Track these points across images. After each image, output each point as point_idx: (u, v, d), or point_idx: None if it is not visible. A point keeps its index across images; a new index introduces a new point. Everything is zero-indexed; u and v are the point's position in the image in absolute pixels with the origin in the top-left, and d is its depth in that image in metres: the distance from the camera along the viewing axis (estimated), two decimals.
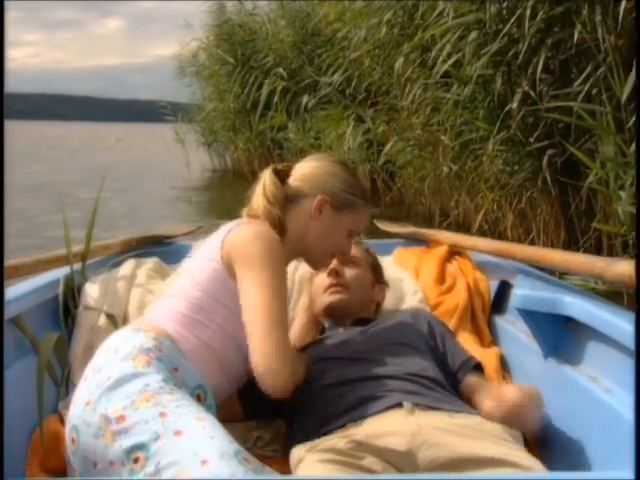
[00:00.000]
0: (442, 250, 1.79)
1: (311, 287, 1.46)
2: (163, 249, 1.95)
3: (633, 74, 2.55)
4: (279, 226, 1.19)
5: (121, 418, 0.95)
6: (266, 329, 1.05)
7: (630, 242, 2.71)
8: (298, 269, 1.65)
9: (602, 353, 1.14)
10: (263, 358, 1.04)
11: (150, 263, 1.76)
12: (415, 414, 1.05)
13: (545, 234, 3.74)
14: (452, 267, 1.73)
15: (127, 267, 1.68)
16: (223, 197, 7.68)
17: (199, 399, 1.06)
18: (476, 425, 1.05)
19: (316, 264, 1.29)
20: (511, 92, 3.55)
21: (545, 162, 3.40)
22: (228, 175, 10.36)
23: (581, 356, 1.20)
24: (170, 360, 1.05)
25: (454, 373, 1.25)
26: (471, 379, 1.24)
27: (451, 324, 1.54)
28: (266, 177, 1.25)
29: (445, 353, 1.29)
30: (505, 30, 3.35)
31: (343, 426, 1.06)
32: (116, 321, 1.48)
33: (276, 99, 7.45)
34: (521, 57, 3.31)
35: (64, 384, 1.35)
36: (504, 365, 1.47)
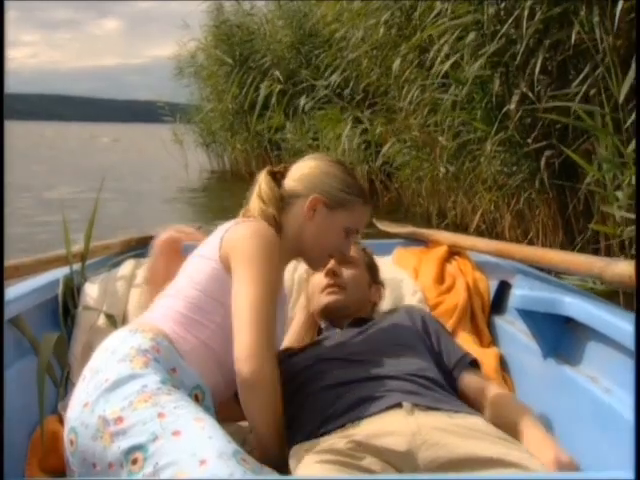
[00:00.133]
0: (441, 250, 1.79)
1: (307, 287, 1.46)
2: None
3: (631, 74, 2.55)
4: (275, 227, 1.19)
5: (119, 419, 0.95)
6: (252, 322, 1.05)
7: (627, 243, 2.71)
8: (297, 269, 1.65)
9: (601, 353, 1.14)
10: (245, 348, 1.04)
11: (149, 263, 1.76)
12: (414, 414, 1.05)
13: (543, 235, 3.75)
14: (451, 267, 1.74)
15: (126, 267, 1.68)
16: (221, 198, 7.67)
17: (197, 399, 1.06)
18: (475, 425, 1.05)
19: (314, 264, 1.28)
20: (509, 93, 3.56)
21: (543, 163, 3.41)
22: (226, 176, 10.35)
23: (580, 356, 1.20)
24: (168, 361, 1.05)
25: (450, 371, 1.25)
26: (468, 378, 1.24)
27: (450, 324, 1.54)
28: (261, 179, 1.25)
29: (440, 351, 1.29)
30: (503, 31, 3.36)
31: (342, 426, 1.06)
32: (115, 321, 1.49)
33: (273, 100, 7.45)
34: (519, 58, 3.31)
35: (63, 384, 1.35)
36: (503, 365, 1.47)
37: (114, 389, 0.98)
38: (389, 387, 1.11)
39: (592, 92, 2.99)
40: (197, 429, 0.92)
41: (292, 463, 1.03)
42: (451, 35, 3.76)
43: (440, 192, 5.01)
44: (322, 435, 1.05)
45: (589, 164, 2.88)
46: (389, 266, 1.79)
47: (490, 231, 4.27)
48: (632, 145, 2.56)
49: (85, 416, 0.98)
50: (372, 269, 1.48)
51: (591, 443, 1.09)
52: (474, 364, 1.28)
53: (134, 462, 0.91)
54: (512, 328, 1.50)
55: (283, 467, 1.03)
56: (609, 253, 3.06)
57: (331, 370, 1.18)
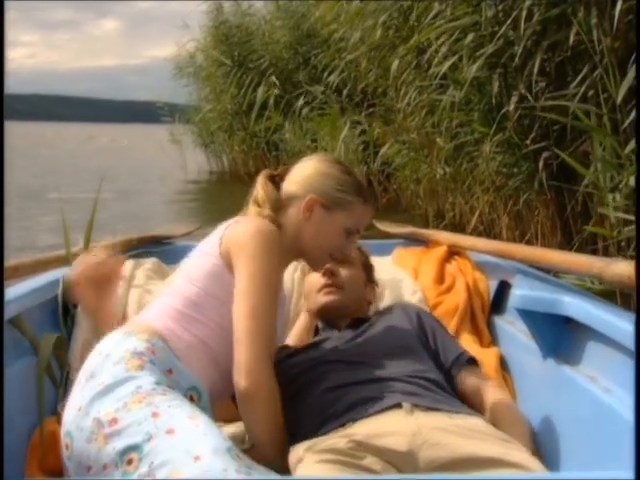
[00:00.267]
0: (441, 250, 1.79)
1: (304, 286, 1.45)
2: (162, 249, 1.95)
3: (629, 76, 2.56)
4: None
5: (114, 421, 0.94)
6: (252, 334, 1.06)
7: (623, 244, 2.71)
8: (298, 269, 1.65)
9: (601, 353, 1.15)
10: (244, 361, 1.05)
11: (149, 263, 1.76)
12: (414, 414, 1.05)
13: (541, 236, 3.75)
14: (451, 267, 1.74)
15: (126, 267, 1.68)
16: (220, 199, 7.68)
17: (192, 400, 1.05)
18: (475, 426, 1.05)
19: (315, 265, 1.28)
20: (507, 94, 3.56)
21: (541, 165, 3.41)
22: (225, 177, 10.35)
23: (580, 356, 1.21)
24: (164, 362, 1.05)
25: (448, 369, 1.26)
26: (466, 377, 1.24)
27: (452, 325, 1.54)
28: (258, 182, 1.26)
29: (437, 348, 1.29)
30: (501, 32, 3.36)
31: (342, 426, 1.06)
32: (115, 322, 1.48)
33: (271, 102, 7.45)
34: (517, 59, 3.31)
35: (63, 384, 1.35)
36: (503, 365, 1.47)
37: (109, 392, 0.98)
38: (389, 388, 1.11)
39: (590, 93, 2.99)
40: (191, 427, 0.92)
41: (292, 462, 1.03)
42: (449, 37, 3.76)
43: (438, 193, 5.01)
44: (321, 435, 1.05)
45: (587, 166, 2.89)
46: (389, 266, 1.80)
47: (488, 232, 4.28)
48: (629, 146, 2.56)
49: (80, 419, 0.98)
50: (368, 268, 1.48)
51: (590, 443, 1.09)
52: (472, 361, 1.28)
53: (129, 462, 0.91)
54: (512, 328, 1.50)
55: (284, 473, 1.03)
56: (607, 254, 3.06)
57: (331, 372, 1.18)
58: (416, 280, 1.70)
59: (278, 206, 1.22)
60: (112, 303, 1.16)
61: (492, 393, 1.21)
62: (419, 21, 4.18)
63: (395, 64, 4.59)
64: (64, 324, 1.46)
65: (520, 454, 1.00)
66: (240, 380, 1.05)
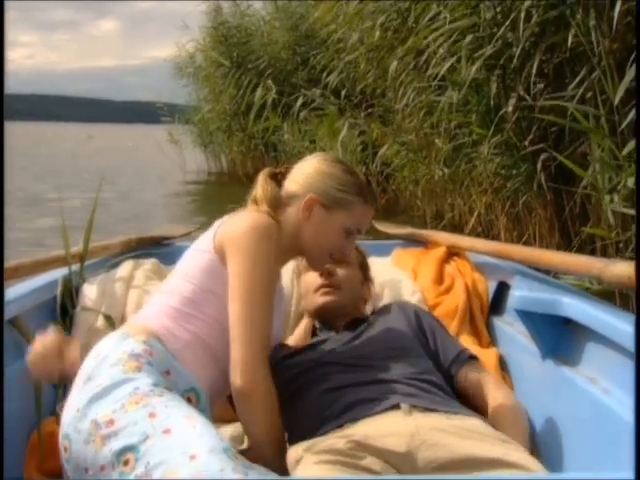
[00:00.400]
0: (440, 251, 1.79)
1: (299, 285, 1.44)
2: (161, 250, 1.94)
3: (627, 78, 2.56)
4: None
5: (110, 422, 0.94)
6: (247, 333, 1.06)
7: (622, 245, 2.71)
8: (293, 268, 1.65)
9: (600, 354, 1.15)
10: (240, 361, 1.05)
11: (148, 264, 1.76)
12: (412, 415, 1.05)
13: (539, 237, 3.75)
14: (450, 268, 1.74)
15: (125, 268, 1.68)
16: (219, 199, 7.68)
17: (189, 402, 1.05)
18: (474, 427, 1.05)
19: (315, 265, 1.28)
20: (505, 96, 3.56)
21: (539, 166, 3.41)
22: (224, 178, 10.35)
23: (579, 357, 1.21)
24: (161, 363, 1.05)
25: (447, 368, 1.25)
26: (466, 374, 1.24)
27: (452, 327, 1.54)
28: (258, 180, 1.25)
29: (436, 348, 1.28)
30: (499, 34, 3.36)
31: (340, 426, 1.06)
32: (114, 322, 1.48)
33: (269, 103, 7.45)
34: (515, 61, 3.32)
35: (62, 385, 1.34)
36: (502, 366, 1.47)
37: (106, 394, 0.98)
38: (387, 390, 1.11)
39: (588, 95, 3.00)
40: (188, 427, 0.92)
41: (290, 462, 1.03)
42: (448, 38, 3.76)
43: (436, 194, 5.02)
44: (320, 436, 1.05)
45: (586, 167, 2.89)
46: (388, 267, 1.79)
47: (486, 233, 4.28)
48: (627, 148, 2.56)
49: (77, 421, 0.97)
50: (364, 267, 1.47)
51: (590, 444, 1.10)
52: (472, 358, 1.28)
53: (125, 463, 0.90)
54: (511, 329, 1.50)
55: (282, 473, 1.03)
56: (605, 255, 3.06)
57: (329, 374, 1.17)
58: (415, 281, 1.70)
59: (277, 204, 1.21)
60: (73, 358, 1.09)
61: (493, 390, 1.21)
62: (417, 22, 4.18)
63: (393, 65, 4.60)
64: (62, 325, 1.46)
65: (519, 454, 1.00)
66: (236, 379, 1.04)
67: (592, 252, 3.17)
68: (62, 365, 1.10)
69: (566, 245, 3.50)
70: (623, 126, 2.66)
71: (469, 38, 3.59)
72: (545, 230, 3.69)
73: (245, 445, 1.20)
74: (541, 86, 3.34)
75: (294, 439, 1.09)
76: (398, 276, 1.71)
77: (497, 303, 1.63)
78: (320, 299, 1.36)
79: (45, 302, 1.45)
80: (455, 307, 1.59)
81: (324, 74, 6.42)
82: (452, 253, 1.80)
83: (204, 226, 1.23)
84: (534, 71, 3.16)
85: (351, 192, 1.21)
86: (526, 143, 3.46)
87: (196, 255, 1.17)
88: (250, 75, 8.21)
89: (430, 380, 1.17)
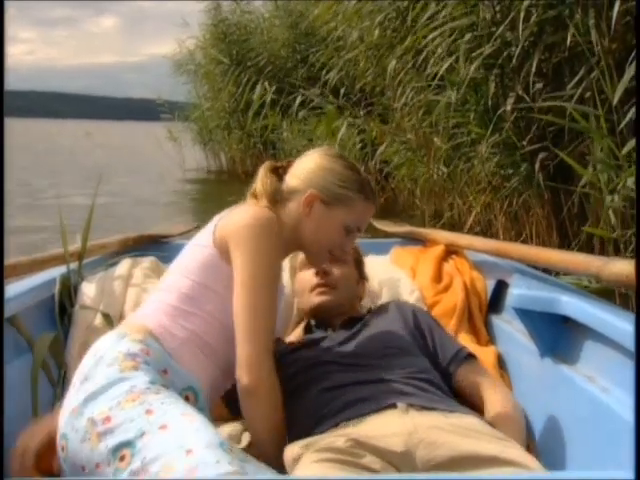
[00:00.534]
0: (439, 249, 1.79)
1: (294, 282, 1.43)
2: (160, 248, 1.94)
3: (626, 77, 2.56)
4: None
5: (107, 419, 0.94)
6: (254, 330, 1.06)
7: (621, 246, 2.71)
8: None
9: (599, 352, 1.15)
10: (247, 357, 1.05)
11: (146, 262, 1.76)
12: (409, 414, 1.05)
13: (537, 237, 3.75)
14: (449, 266, 1.74)
15: (123, 266, 1.68)
16: (219, 197, 7.68)
17: (187, 400, 1.04)
18: (471, 425, 1.05)
19: (314, 261, 1.27)
20: (503, 95, 3.56)
21: (537, 166, 3.41)
22: (223, 176, 10.33)
23: (578, 355, 1.21)
24: (158, 362, 1.04)
25: (445, 367, 1.25)
26: (464, 373, 1.24)
27: (451, 325, 1.54)
28: (258, 174, 1.23)
29: (435, 347, 1.28)
30: (498, 33, 3.36)
31: (336, 425, 1.06)
32: (112, 320, 1.48)
33: (268, 101, 7.44)
34: (514, 60, 3.31)
35: (60, 384, 1.34)
36: (501, 364, 1.47)
37: (102, 392, 0.98)
38: (384, 389, 1.11)
39: (587, 95, 3.00)
40: (184, 422, 0.92)
41: (287, 460, 1.03)
42: (446, 37, 3.76)
43: (435, 193, 5.02)
44: (316, 434, 1.05)
45: (584, 167, 2.89)
46: (386, 265, 1.79)
47: (485, 232, 4.28)
48: (626, 148, 2.56)
49: (74, 420, 0.97)
50: (360, 265, 1.46)
51: (588, 442, 1.10)
52: (470, 357, 1.28)
53: (121, 459, 0.90)
54: (509, 327, 1.50)
55: (280, 470, 1.03)
56: (603, 255, 3.06)
57: (327, 374, 1.17)
58: (414, 279, 1.70)
59: (278, 198, 1.19)
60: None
61: (491, 392, 1.21)
62: (416, 21, 4.17)
63: (392, 64, 4.59)
64: (60, 323, 1.46)
65: (516, 452, 1.01)
66: (242, 376, 1.05)
67: (590, 251, 3.18)
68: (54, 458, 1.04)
69: (564, 245, 3.50)
70: (622, 125, 2.65)
71: (467, 37, 3.58)
72: (543, 229, 3.70)
73: (243, 444, 1.20)
74: (540, 86, 3.34)
75: (291, 437, 1.09)
76: (397, 274, 1.71)
77: (495, 301, 1.63)
78: (316, 299, 1.36)
79: (43, 300, 1.45)
80: (454, 305, 1.59)
81: (323, 72, 6.41)
82: (450, 251, 1.80)
83: (203, 224, 1.23)
84: (533, 70, 3.16)
85: (352, 189, 1.19)
86: (524, 142, 3.46)
87: (195, 250, 1.16)
88: (249, 73, 8.20)
89: (427, 379, 1.17)
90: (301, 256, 1.40)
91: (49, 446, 1.12)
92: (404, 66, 4.56)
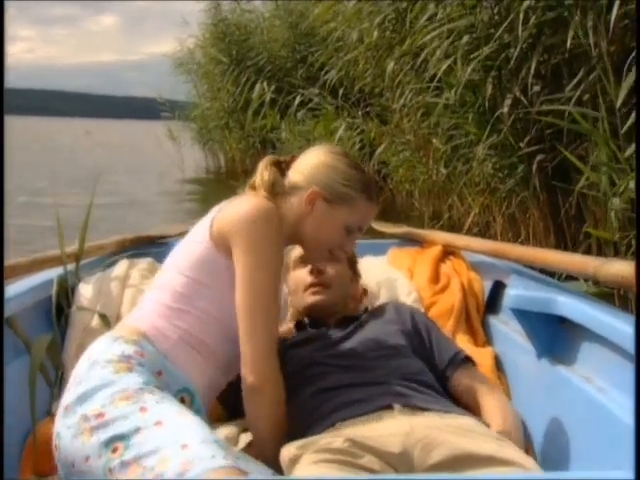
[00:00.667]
0: (436, 250, 1.79)
1: (288, 280, 1.41)
2: (157, 249, 1.94)
3: (629, 80, 2.55)
4: None
5: (100, 415, 0.94)
6: (259, 328, 1.05)
7: (622, 249, 2.71)
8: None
9: (596, 353, 1.15)
10: (252, 355, 1.05)
11: (144, 263, 1.75)
12: (405, 415, 1.05)
13: (535, 238, 3.75)
14: (446, 267, 1.74)
15: (121, 267, 1.68)
16: (217, 197, 7.65)
17: (182, 402, 1.04)
18: (466, 425, 1.06)
19: (312, 259, 1.25)
20: (501, 97, 3.55)
21: (535, 167, 3.40)
22: (222, 176, 10.33)
23: (575, 356, 1.21)
24: (153, 364, 1.04)
25: (443, 370, 1.25)
26: (461, 377, 1.24)
27: (448, 326, 1.54)
28: (258, 167, 1.21)
29: (432, 349, 1.28)
30: (497, 35, 3.35)
31: (332, 425, 1.05)
32: (109, 322, 1.47)
33: (267, 101, 7.43)
34: (512, 62, 3.30)
35: (57, 385, 1.34)
36: (498, 365, 1.47)
37: (96, 391, 0.97)
38: (379, 390, 1.11)
39: (586, 97, 2.99)
40: (179, 419, 0.92)
41: (283, 460, 1.03)
42: (444, 39, 3.75)
43: (434, 194, 5.02)
44: (311, 435, 1.05)
45: (585, 167, 2.88)
46: (384, 266, 1.79)
47: (483, 234, 4.28)
48: (629, 151, 2.56)
49: (67, 418, 0.97)
50: (353, 263, 1.45)
51: (585, 442, 1.10)
52: (468, 360, 1.28)
53: (114, 451, 0.90)
54: (506, 328, 1.50)
55: (277, 469, 1.03)
56: (601, 256, 3.06)
57: (322, 374, 1.17)
58: (411, 280, 1.70)
59: (277, 191, 1.16)
60: None
61: (488, 396, 1.20)
62: (415, 23, 4.17)
63: (391, 66, 4.59)
64: (57, 324, 1.46)
65: (513, 451, 1.01)
66: (247, 375, 1.04)
67: (587, 254, 3.18)
68: None
69: (561, 247, 3.50)
70: (625, 128, 2.64)
71: (466, 39, 3.57)
72: (540, 231, 3.70)
73: (240, 446, 1.20)
74: (538, 88, 3.33)
75: (286, 437, 1.09)
76: (394, 275, 1.71)
77: (493, 302, 1.63)
78: (310, 298, 1.35)
79: (40, 302, 1.44)
80: (451, 306, 1.59)
81: (322, 72, 6.40)
82: (448, 252, 1.80)
83: None
84: (532, 72, 3.16)
85: (355, 188, 1.17)
86: (522, 144, 3.45)
87: (190, 246, 1.14)
88: (249, 72, 8.20)
89: (422, 380, 1.17)
90: (295, 254, 1.39)
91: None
92: (403, 67, 4.56)
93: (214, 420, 1.24)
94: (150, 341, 1.07)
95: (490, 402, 1.19)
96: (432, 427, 1.02)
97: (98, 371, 1.01)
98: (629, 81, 2.55)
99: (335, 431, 1.04)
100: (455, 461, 0.97)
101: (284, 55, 7.99)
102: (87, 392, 0.98)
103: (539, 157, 3.39)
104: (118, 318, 1.51)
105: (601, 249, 3.01)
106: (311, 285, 1.35)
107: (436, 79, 3.91)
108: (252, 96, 7.78)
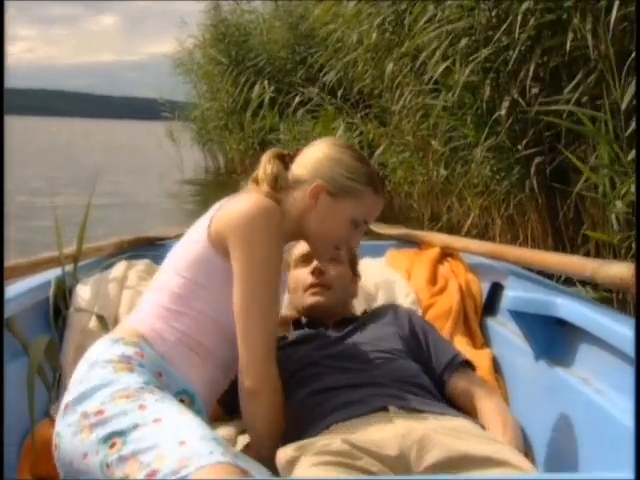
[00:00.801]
0: (434, 252, 1.79)
1: (288, 279, 1.39)
2: (155, 251, 1.94)
3: (634, 83, 2.55)
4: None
5: (99, 412, 0.94)
6: (257, 329, 1.05)
7: (622, 251, 2.71)
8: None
9: (594, 355, 1.15)
10: (250, 358, 1.04)
11: (142, 265, 1.75)
12: (401, 417, 1.05)
13: (533, 241, 3.75)
14: (444, 269, 1.74)
15: (119, 269, 1.67)
16: (216, 198, 7.65)
17: (182, 403, 1.03)
18: (462, 427, 1.05)
19: (318, 255, 1.23)
20: (499, 99, 3.55)
21: (533, 169, 3.40)
22: (221, 176, 10.33)
23: (572, 358, 1.21)
24: (153, 365, 1.04)
25: (440, 373, 1.25)
26: (458, 381, 1.24)
27: (446, 328, 1.54)
28: (261, 160, 1.19)
29: (429, 353, 1.28)
30: (496, 37, 3.35)
31: (327, 427, 1.05)
32: (107, 323, 1.47)
33: (267, 101, 7.43)
34: (511, 64, 3.31)
35: (55, 387, 1.34)
36: (495, 367, 1.47)
37: (96, 390, 0.97)
38: (375, 392, 1.11)
39: (584, 99, 2.99)
40: (179, 418, 0.92)
41: (280, 462, 1.03)
42: (443, 41, 3.75)
43: (433, 196, 5.02)
44: (307, 437, 1.04)
45: (581, 172, 2.88)
46: (382, 268, 1.79)
47: (482, 236, 4.28)
48: (631, 154, 2.55)
49: (67, 417, 0.97)
50: (353, 263, 1.44)
51: (583, 444, 1.10)
52: (466, 364, 1.27)
53: (112, 446, 0.90)
54: (504, 330, 1.50)
55: (273, 471, 1.03)
56: (599, 258, 3.05)
57: (318, 375, 1.17)
58: (409, 282, 1.70)
59: (280, 185, 1.14)
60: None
61: (485, 399, 1.20)
62: (414, 25, 4.17)
63: (390, 67, 4.59)
64: (55, 325, 1.45)
65: (510, 452, 1.01)
66: (243, 379, 1.04)
67: (586, 256, 3.17)
68: None
69: (559, 249, 3.50)
70: (629, 131, 2.63)
71: (464, 41, 3.58)
72: (538, 234, 3.70)
73: (239, 447, 1.20)
74: (536, 90, 3.33)
75: (282, 439, 1.08)
76: (392, 277, 1.71)
77: (491, 304, 1.63)
78: (310, 299, 1.34)
79: (38, 303, 1.44)
80: (449, 308, 1.59)
81: (322, 73, 6.41)
82: (446, 254, 1.80)
83: None
84: (530, 74, 3.16)
85: (360, 181, 1.14)
86: (520, 147, 3.45)
87: (189, 246, 1.13)
88: (248, 73, 8.20)
89: (418, 383, 1.17)
90: (296, 253, 1.38)
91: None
92: (402, 69, 4.56)
93: (212, 420, 1.24)
94: (149, 343, 1.07)
95: (487, 406, 1.18)
96: (428, 429, 1.02)
97: (98, 371, 1.01)
98: (634, 84, 2.55)
99: (331, 433, 1.04)
100: (451, 462, 0.97)
101: (284, 56, 8.01)
102: (87, 391, 0.98)
103: (537, 159, 3.39)
104: (116, 320, 1.51)
105: (599, 252, 3.01)
106: (312, 285, 1.34)
107: (433, 80, 3.91)
108: (251, 96, 7.78)
